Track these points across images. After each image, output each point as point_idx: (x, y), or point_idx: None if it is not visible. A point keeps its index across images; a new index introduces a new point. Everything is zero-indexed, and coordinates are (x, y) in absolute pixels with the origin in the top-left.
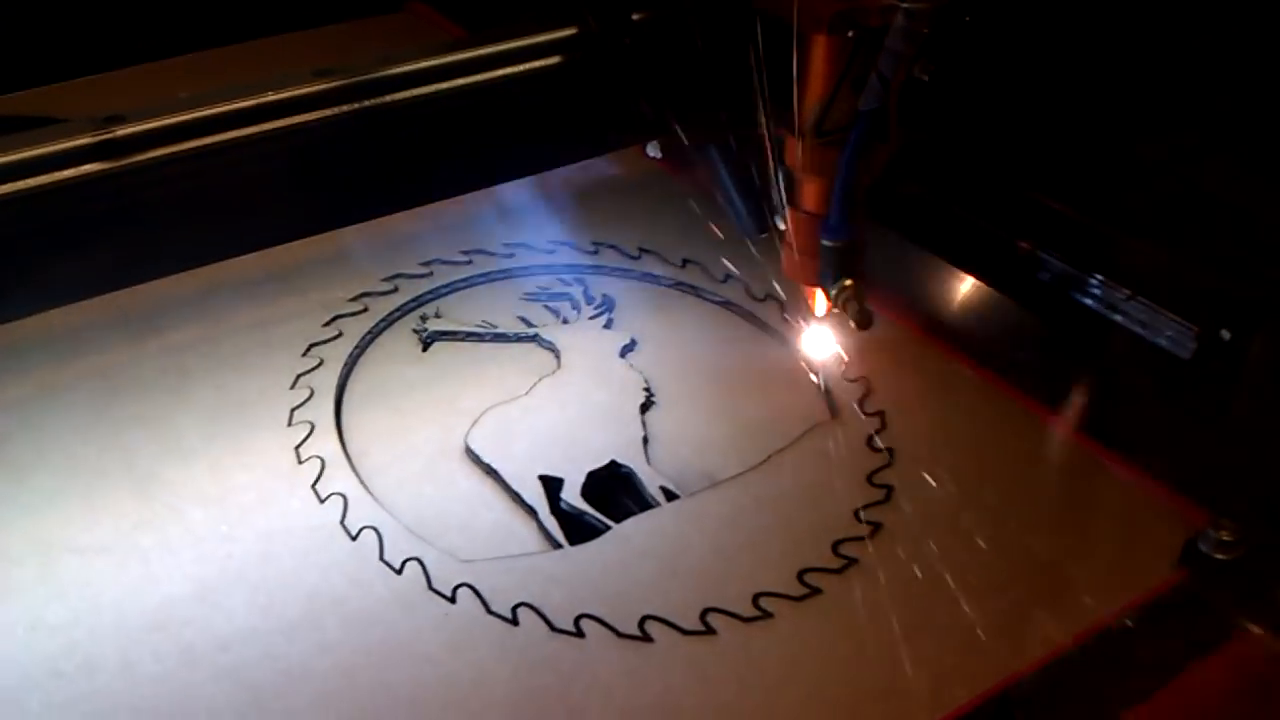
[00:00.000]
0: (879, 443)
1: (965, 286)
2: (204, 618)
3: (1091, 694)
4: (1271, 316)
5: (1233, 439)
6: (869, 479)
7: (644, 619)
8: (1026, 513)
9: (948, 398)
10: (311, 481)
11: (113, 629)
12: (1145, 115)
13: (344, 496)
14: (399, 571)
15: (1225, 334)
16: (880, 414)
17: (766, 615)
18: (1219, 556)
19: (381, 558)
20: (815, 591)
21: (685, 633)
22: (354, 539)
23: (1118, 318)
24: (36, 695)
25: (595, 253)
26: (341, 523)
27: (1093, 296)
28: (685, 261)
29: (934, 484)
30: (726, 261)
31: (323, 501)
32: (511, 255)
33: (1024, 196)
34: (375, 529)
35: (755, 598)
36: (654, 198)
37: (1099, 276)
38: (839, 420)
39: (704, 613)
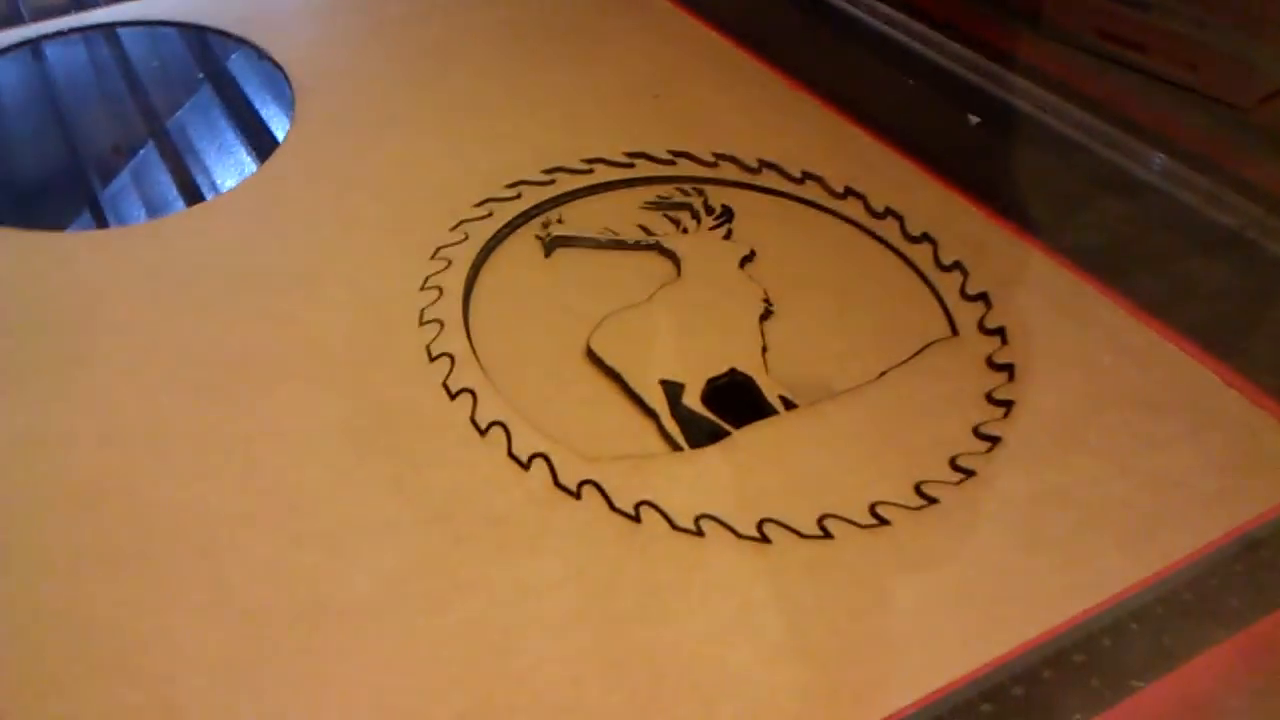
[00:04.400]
0: (999, 360)
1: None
2: (343, 509)
3: (1202, 610)
4: None
5: None
6: (988, 396)
7: (762, 521)
8: (1148, 431)
9: (1070, 315)
10: (442, 378)
11: (258, 513)
12: None
13: (473, 393)
14: (526, 467)
15: None
16: (1001, 330)
17: (884, 523)
18: None
19: (510, 453)
20: (932, 502)
21: (803, 536)
22: (483, 434)
23: (1252, 237)
24: (182, 572)
25: (715, 164)
26: (471, 418)
27: (1229, 214)
28: (805, 175)
29: (1053, 400)
30: None
31: (453, 397)
32: (632, 165)
33: None
34: (503, 425)
35: (872, 506)
36: None
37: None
38: (959, 337)
39: (821, 518)
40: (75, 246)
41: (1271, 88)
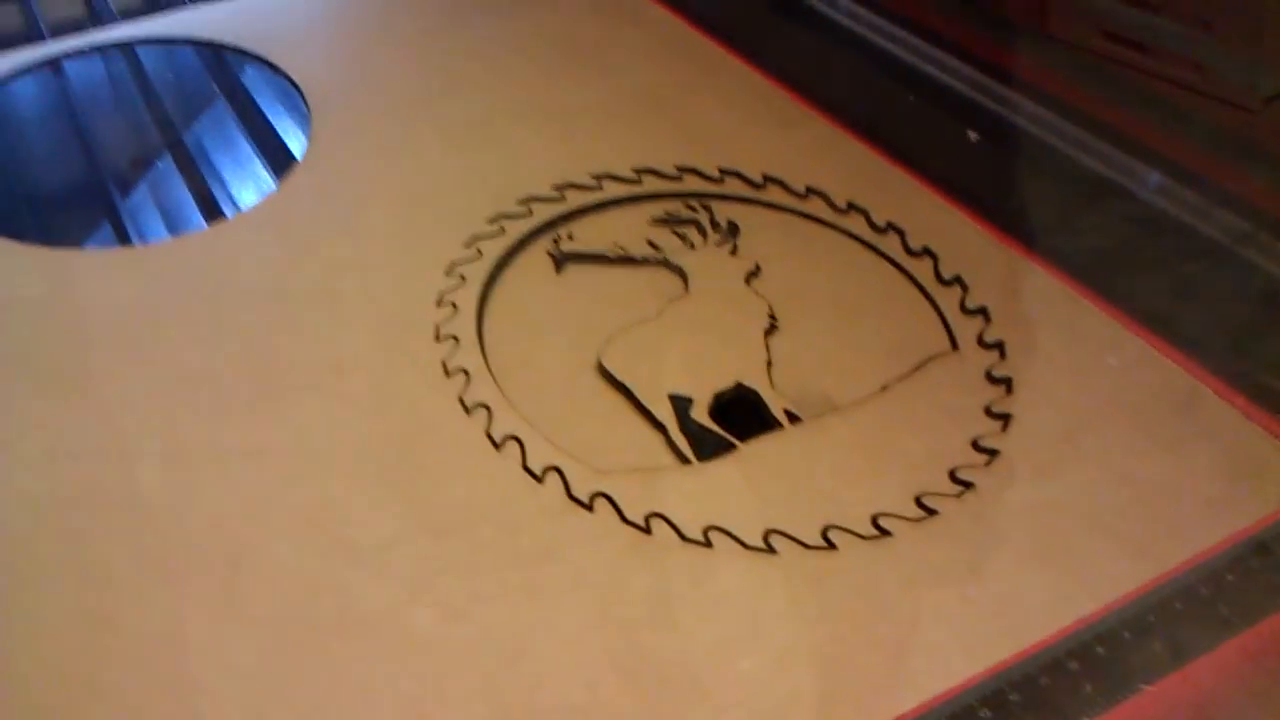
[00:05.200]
0: (997, 373)
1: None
2: (363, 518)
3: (1197, 615)
4: None
5: None
6: (987, 409)
7: (768, 533)
8: (1142, 442)
9: (1068, 329)
10: (458, 393)
11: (280, 525)
12: None
13: (488, 408)
14: (540, 480)
15: None
16: (999, 344)
17: (885, 534)
18: None
19: (524, 466)
20: (932, 513)
21: (807, 547)
22: (498, 448)
23: (1244, 251)
24: (208, 583)
25: (721, 180)
26: (487, 432)
27: (1220, 229)
28: (809, 190)
29: (1049, 413)
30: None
31: (469, 412)
32: (640, 181)
33: None
34: (518, 439)
35: (874, 518)
36: None
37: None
38: (959, 351)
39: (825, 529)
40: (98, 263)
41: (1278, 88)
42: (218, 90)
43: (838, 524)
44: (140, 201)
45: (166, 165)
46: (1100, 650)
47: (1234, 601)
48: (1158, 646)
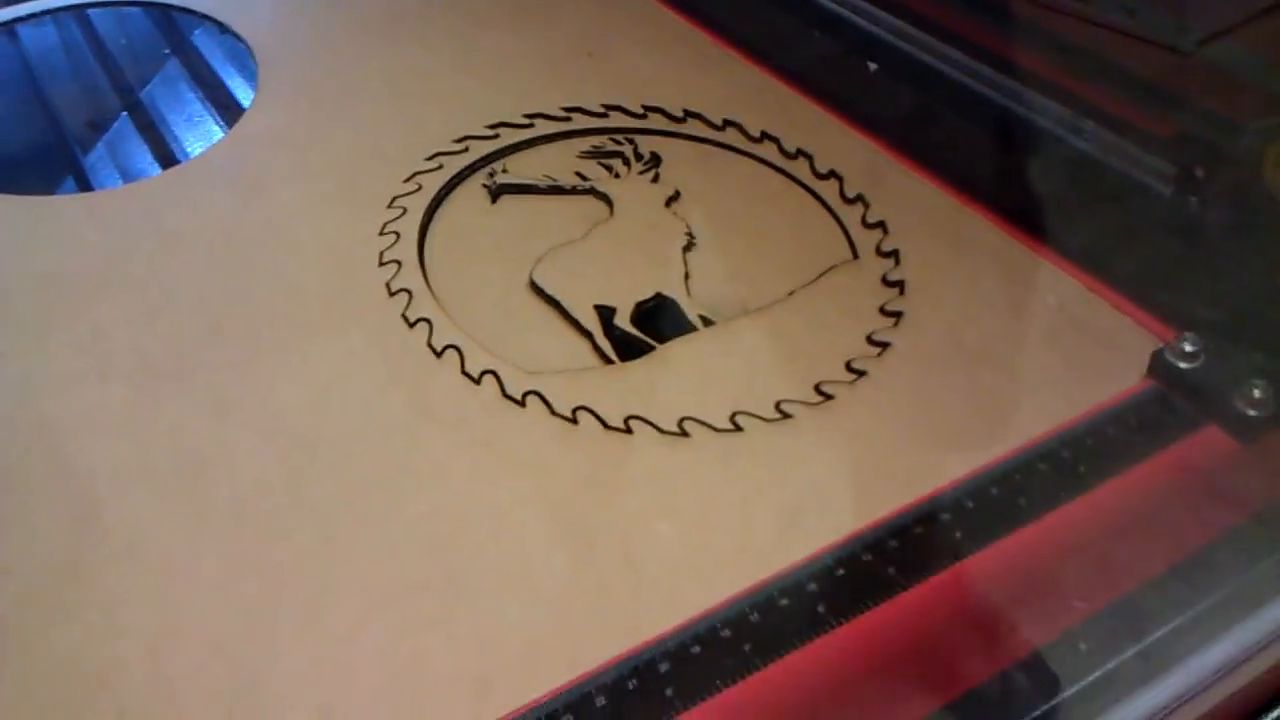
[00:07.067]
0: (892, 277)
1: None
2: (316, 420)
3: (1055, 475)
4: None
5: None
6: (881, 309)
7: (682, 420)
8: (1018, 334)
9: (956, 238)
10: (401, 310)
11: (240, 428)
12: None
13: (429, 321)
14: (477, 382)
15: (1199, 172)
16: (895, 253)
17: (787, 417)
18: (1183, 365)
19: (463, 371)
20: (829, 398)
21: (717, 430)
22: (439, 356)
23: (1104, 156)
24: (176, 481)
25: (644, 116)
26: (428, 343)
27: (1082, 136)
28: (725, 123)
29: (936, 310)
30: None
31: (412, 326)
32: (569, 119)
33: None
34: (457, 347)
35: (778, 404)
36: None
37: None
38: (859, 260)
39: (733, 415)
40: (62, 208)
41: (1208, 31)
42: (169, 50)
43: (745, 410)
44: (98, 155)
45: (122, 121)
46: (970, 504)
47: (1091, 461)
48: (1021, 500)
